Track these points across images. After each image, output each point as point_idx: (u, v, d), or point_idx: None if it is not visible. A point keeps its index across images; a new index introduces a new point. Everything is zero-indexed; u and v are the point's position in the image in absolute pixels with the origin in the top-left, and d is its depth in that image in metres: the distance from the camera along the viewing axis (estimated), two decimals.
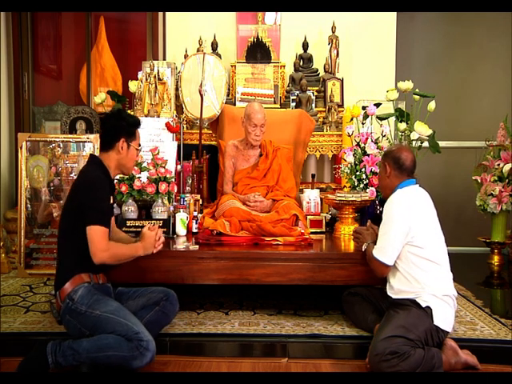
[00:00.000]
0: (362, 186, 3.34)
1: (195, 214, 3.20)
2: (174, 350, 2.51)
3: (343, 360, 2.48)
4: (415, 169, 2.58)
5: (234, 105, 4.26)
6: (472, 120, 5.05)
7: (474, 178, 4.25)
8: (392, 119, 3.82)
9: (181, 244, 2.85)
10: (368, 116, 3.64)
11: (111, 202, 2.51)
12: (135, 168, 3.13)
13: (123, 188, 3.08)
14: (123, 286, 2.59)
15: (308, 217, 3.30)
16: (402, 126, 3.57)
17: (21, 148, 3.67)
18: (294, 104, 4.30)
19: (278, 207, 3.16)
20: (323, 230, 3.32)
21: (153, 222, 3.03)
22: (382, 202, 2.86)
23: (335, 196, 3.21)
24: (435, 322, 2.32)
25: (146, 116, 3.83)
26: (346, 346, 2.54)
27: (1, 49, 4.52)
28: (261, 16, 4.52)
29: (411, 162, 2.54)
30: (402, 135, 3.63)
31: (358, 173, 3.37)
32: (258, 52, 4.38)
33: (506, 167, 4.03)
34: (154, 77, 3.92)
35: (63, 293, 2.29)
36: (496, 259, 4.13)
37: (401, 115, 3.63)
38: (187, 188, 3.63)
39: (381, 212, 2.78)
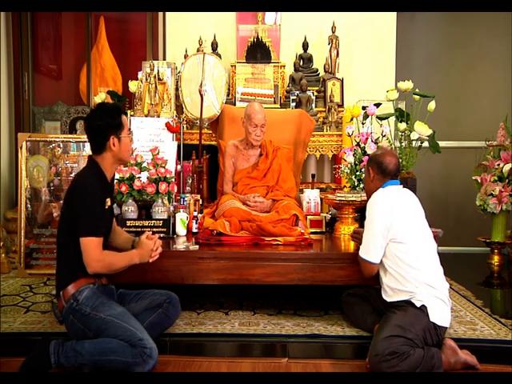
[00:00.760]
0: (361, 185, 3.33)
1: (195, 213, 3.20)
2: (174, 349, 2.51)
3: (343, 360, 2.48)
4: (399, 172, 2.63)
5: (234, 105, 4.26)
6: (472, 120, 5.05)
7: (473, 177, 4.25)
8: (392, 119, 3.82)
9: (181, 244, 2.85)
10: (368, 116, 3.63)
11: (108, 204, 2.44)
12: (135, 168, 3.13)
13: (123, 188, 3.08)
14: (123, 286, 2.59)
15: (308, 217, 3.30)
16: (402, 126, 3.57)
17: (21, 148, 3.67)
18: (293, 104, 4.30)
19: (278, 207, 3.16)
20: (323, 230, 3.32)
21: (153, 221, 3.04)
22: None
23: (335, 196, 3.22)
24: (432, 319, 2.32)
25: (145, 116, 3.83)
26: (345, 346, 2.54)
27: (1, 49, 4.52)
28: (261, 16, 4.52)
29: (394, 165, 2.57)
30: (401, 135, 3.63)
31: (358, 173, 3.37)
32: (257, 52, 4.38)
33: (506, 167, 4.03)
34: (154, 77, 3.92)
35: (67, 293, 2.28)
36: (496, 259, 4.13)
37: (401, 115, 3.63)
38: (187, 188, 3.63)
39: None
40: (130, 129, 2.46)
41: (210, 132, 4.12)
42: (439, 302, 2.37)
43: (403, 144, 3.62)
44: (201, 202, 3.43)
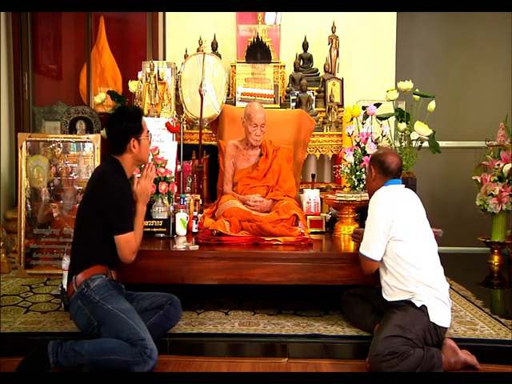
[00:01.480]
0: (361, 185, 3.34)
1: (195, 213, 3.20)
2: (174, 349, 2.51)
3: (343, 360, 2.48)
4: (401, 172, 2.63)
5: (234, 105, 4.26)
6: (472, 120, 5.05)
7: (474, 177, 4.25)
8: (392, 119, 3.82)
9: (181, 244, 2.85)
10: (368, 116, 3.63)
11: None
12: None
13: None
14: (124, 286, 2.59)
15: (308, 217, 3.30)
16: (402, 126, 3.57)
17: (21, 148, 3.67)
18: (293, 104, 4.30)
19: (278, 207, 3.16)
20: (323, 230, 3.32)
21: (153, 221, 3.05)
22: None
23: (335, 196, 3.22)
24: (432, 320, 2.32)
25: (146, 116, 3.83)
26: (345, 346, 2.54)
27: (1, 49, 4.52)
28: (261, 16, 4.52)
29: (396, 165, 2.57)
30: (401, 135, 3.63)
31: (358, 173, 3.37)
32: (257, 52, 4.38)
33: (506, 167, 4.03)
34: (154, 77, 3.92)
35: (80, 278, 2.33)
36: (496, 259, 4.13)
37: (401, 115, 3.63)
38: (187, 188, 3.62)
39: None
40: (148, 131, 2.57)
41: (210, 132, 4.12)
42: (439, 302, 2.37)
43: (403, 144, 3.61)
44: (201, 202, 3.43)
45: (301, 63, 4.53)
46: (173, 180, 3.25)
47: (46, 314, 2.82)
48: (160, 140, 3.67)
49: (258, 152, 3.48)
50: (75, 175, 3.70)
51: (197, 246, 2.80)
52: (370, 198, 2.63)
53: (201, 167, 3.89)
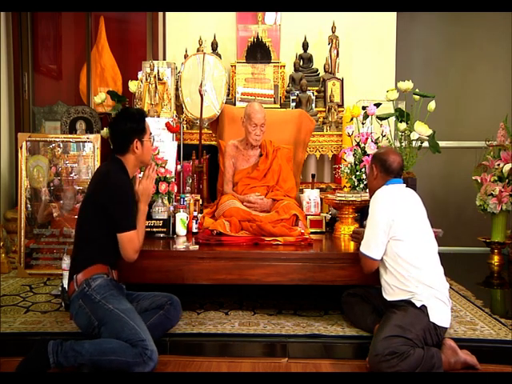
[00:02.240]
0: (361, 185, 3.34)
1: (195, 213, 3.20)
2: (174, 349, 2.51)
3: (343, 360, 2.48)
4: (402, 171, 2.63)
5: (234, 105, 4.26)
6: (472, 120, 5.05)
7: (474, 177, 4.25)
8: (392, 119, 3.82)
9: (181, 244, 2.85)
10: (368, 116, 3.63)
11: None
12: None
13: None
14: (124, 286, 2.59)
15: (308, 217, 3.30)
16: (402, 126, 3.57)
17: (21, 148, 3.67)
18: (294, 104, 4.30)
19: (278, 207, 3.16)
20: (323, 230, 3.32)
21: (153, 221, 3.04)
22: None
23: (335, 196, 3.22)
24: (432, 320, 2.32)
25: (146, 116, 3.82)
26: (345, 346, 2.54)
27: (1, 49, 4.52)
28: (261, 16, 4.52)
29: (398, 164, 2.57)
30: (401, 135, 3.63)
31: (358, 173, 3.37)
32: (257, 52, 4.38)
33: (506, 167, 4.03)
34: (154, 77, 3.92)
35: (81, 277, 2.33)
36: (496, 259, 4.13)
37: (401, 115, 3.63)
38: (187, 188, 3.62)
39: None
40: (151, 133, 2.59)
41: (210, 132, 4.12)
42: (439, 302, 2.37)
43: (403, 144, 3.61)
44: (201, 202, 3.43)
45: (301, 63, 4.53)
46: (173, 180, 3.25)
47: (46, 314, 2.82)
48: (160, 140, 3.67)
49: (258, 152, 3.48)
50: (75, 175, 3.70)
51: (197, 246, 2.80)
52: (370, 196, 2.63)
53: (201, 167, 3.90)
